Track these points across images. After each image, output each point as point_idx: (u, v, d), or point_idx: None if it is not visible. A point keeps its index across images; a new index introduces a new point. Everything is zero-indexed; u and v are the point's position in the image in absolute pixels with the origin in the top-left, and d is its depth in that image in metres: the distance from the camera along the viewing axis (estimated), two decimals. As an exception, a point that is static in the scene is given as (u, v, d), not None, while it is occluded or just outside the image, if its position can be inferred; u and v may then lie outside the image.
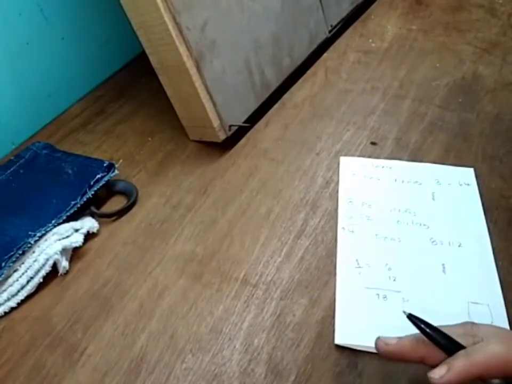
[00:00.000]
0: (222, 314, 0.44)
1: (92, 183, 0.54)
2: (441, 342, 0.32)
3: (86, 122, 0.67)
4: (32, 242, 0.47)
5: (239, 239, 0.50)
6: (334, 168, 0.56)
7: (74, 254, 0.50)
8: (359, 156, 0.57)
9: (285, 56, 0.65)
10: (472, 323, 0.34)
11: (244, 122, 0.60)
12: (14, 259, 0.46)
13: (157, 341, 0.43)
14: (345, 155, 0.57)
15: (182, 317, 0.44)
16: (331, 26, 0.74)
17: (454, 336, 0.33)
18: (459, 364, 0.31)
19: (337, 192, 0.53)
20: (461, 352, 0.31)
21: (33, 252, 0.47)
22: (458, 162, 0.55)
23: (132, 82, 0.73)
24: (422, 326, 0.33)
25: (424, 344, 0.33)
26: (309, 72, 0.70)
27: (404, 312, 0.34)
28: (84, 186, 0.53)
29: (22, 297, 0.46)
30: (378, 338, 0.34)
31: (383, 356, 0.34)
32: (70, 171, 0.56)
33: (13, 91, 0.62)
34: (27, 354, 0.43)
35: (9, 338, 0.44)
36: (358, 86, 0.67)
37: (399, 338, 0.34)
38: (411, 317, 0.34)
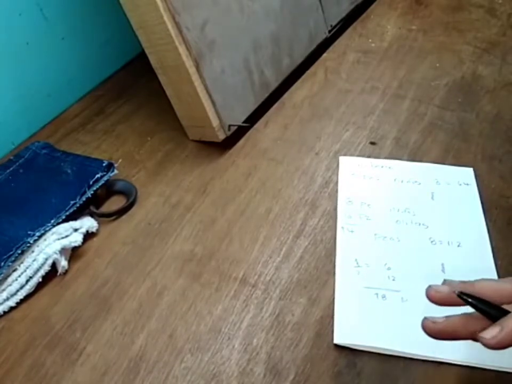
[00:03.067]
0: (221, 314, 0.44)
1: (91, 182, 0.54)
2: (497, 315, 0.31)
3: (85, 122, 0.67)
4: (31, 241, 0.47)
5: (238, 238, 0.50)
6: (333, 168, 0.56)
7: (73, 253, 0.50)
8: (358, 155, 0.57)
9: (284, 56, 0.65)
10: None
11: (243, 122, 0.60)
12: (13, 258, 0.46)
13: (156, 340, 0.43)
14: (345, 155, 0.57)
15: (181, 316, 0.44)
16: (331, 26, 0.74)
17: (503, 296, 0.31)
18: None
19: (336, 191, 0.53)
20: None
21: (33, 252, 0.47)
22: (458, 162, 0.55)
23: (132, 82, 0.73)
24: (474, 301, 0.31)
25: (474, 319, 0.31)
26: (308, 72, 0.70)
27: (455, 293, 0.32)
28: (83, 186, 0.53)
29: (21, 297, 0.46)
30: (425, 318, 0.33)
31: (432, 334, 0.32)
32: (69, 171, 0.56)
33: (12, 91, 0.63)
34: (26, 354, 0.43)
35: (8, 337, 0.44)
36: (358, 86, 0.67)
37: (446, 317, 0.32)
38: (461, 295, 0.32)
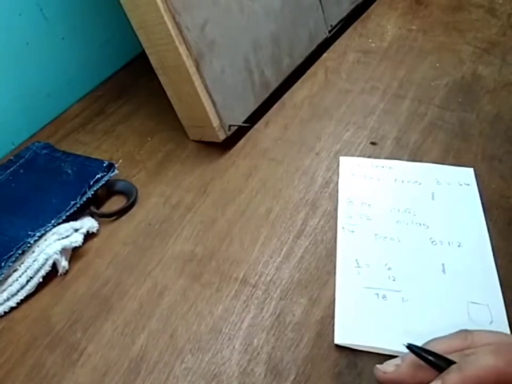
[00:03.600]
0: (222, 314, 0.44)
1: (91, 183, 0.54)
2: (443, 366, 0.32)
3: (85, 122, 0.67)
4: (31, 242, 0.47)
5: (239, 239, 0.50)
6: (334, 168, 0.56)
7: (74, 254, 0.50)
8: (358, 155, 0.57)
9: (284, 56, 0.65)
10: (466, 331, 0.34)
11: (244, 122, 0.60)
12: (13, 259, 0.46)
13: (157, 340, 0.43)
14: (345, 155, 0.57)
15: (181, 316, 0.44)
16: (331, 26, 0.74)
17: (452, 351, 0.33)
18: (452, 378, 0.31)
19: (337, 192, 0.53)
20: (454, 366, 0.31)
21: (33, 252, 0.47)
22: (458, 162, 0.55)
23: (132, 82, 0.73)
24: (423, 354, 0.33)
25: (422, 368, 0.33)
26: (308, 72, 0.70)
27: (404, 344, 0.34)
28: (84, 186, 0.53)
29: (22, 297, 0.46)
30: (376, 368, 0.35)
31: None
32: (69, 171, 0.56)
33: (13, 91, 0.62)
34: (27, 354, 0.43)
35: (9, 338, 0.44)
36: (358, 86, 0.67)
37: (396, 364, 0.34)
38: (410, 347, 0.34)
